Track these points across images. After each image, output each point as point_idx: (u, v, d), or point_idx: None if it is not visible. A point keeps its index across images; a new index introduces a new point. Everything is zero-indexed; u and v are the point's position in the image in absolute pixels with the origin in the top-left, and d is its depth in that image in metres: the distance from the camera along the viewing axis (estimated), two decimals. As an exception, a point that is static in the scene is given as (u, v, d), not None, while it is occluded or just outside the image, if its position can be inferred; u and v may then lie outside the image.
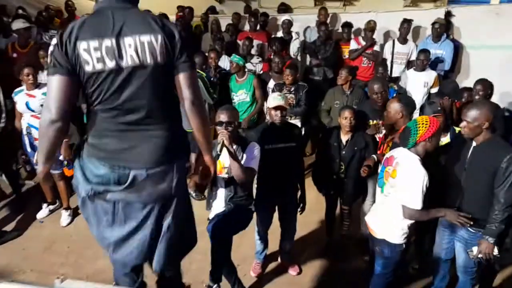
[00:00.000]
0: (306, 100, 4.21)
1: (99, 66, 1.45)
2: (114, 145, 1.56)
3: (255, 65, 4.96)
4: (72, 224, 3.93)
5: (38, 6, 6.10)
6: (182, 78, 1.55)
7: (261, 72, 4.91)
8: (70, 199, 4.02)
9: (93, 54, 1.43)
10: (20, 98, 3.64)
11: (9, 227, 3.82)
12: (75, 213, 4.02)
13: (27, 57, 4.46)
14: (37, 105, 3.61)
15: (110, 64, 1.45)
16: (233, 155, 2.34)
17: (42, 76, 4.05)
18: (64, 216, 3.95)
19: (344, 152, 3.10)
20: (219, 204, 2.59)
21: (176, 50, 1.51)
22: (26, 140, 3.74)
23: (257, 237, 3.16)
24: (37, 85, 3.65)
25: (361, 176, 2.95)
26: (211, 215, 2.64)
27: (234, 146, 2.44)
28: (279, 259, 3.35)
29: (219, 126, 2.39)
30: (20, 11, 5.44)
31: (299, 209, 3.05)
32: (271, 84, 4.40)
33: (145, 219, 1.67)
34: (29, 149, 3.77)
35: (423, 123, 2.26)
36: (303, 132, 4.34)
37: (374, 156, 3.00)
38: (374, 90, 3.35)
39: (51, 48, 1.60)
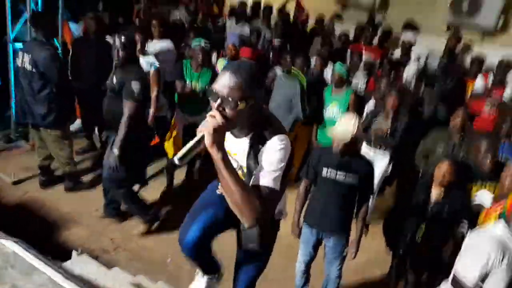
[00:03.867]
0: (403, 133, 3.71)
1: None
2: None
3: (360, 79, 4.54)
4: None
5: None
6: None
7: (364, 87, 4.46)
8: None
9: None
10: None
11: (87, 177, 4.04)
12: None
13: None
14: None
15: None
16: (229, 169, 1.27)
17: (153, 46, 4.22)
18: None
19: (430, 211, 2.62)
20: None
21: None
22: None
23: (297, 269, 2.82)
24: (143, 52, 3.78)
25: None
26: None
27: (244, 142, 1.44)
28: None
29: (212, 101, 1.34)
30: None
31: (345, 251, 2.60)
32: (369, 106, 3.98)
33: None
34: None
35: None
36: (389, 170, 3.85)
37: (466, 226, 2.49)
38: (481, 148, 2.79)
39: None
